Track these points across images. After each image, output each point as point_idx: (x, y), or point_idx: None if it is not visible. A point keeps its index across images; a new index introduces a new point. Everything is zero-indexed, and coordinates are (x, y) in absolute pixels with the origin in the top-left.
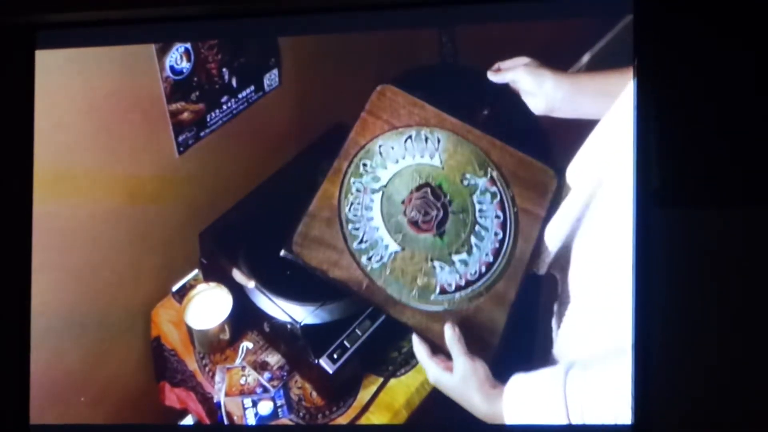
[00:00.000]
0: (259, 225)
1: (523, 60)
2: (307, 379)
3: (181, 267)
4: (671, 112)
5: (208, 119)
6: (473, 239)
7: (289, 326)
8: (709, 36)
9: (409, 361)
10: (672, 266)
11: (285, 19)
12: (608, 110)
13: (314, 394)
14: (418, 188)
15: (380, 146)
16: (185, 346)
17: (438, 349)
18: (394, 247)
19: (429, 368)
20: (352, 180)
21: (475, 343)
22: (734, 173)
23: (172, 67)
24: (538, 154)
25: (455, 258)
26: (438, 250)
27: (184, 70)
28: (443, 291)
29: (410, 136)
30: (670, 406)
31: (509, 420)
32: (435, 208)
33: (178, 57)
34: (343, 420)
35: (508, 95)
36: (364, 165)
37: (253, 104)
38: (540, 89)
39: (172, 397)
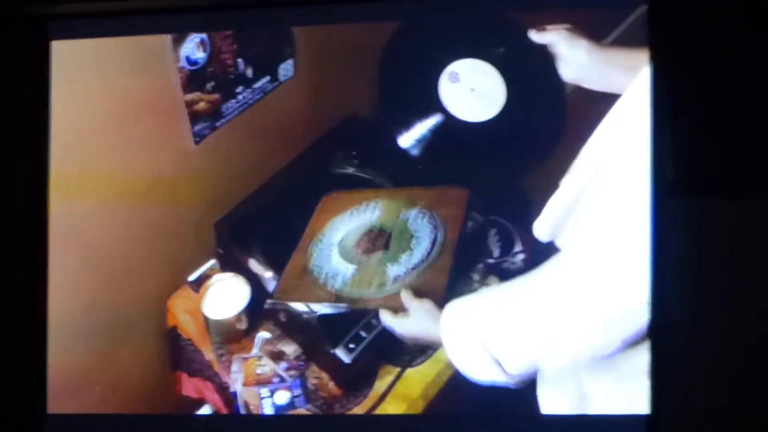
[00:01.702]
0: (275, 214)
1: (565, 26)
2: (324, 369)
3: (198, 257)
4: (687, 103)
5: (224, 109)
6: (413, 242)
7: (305, 316)
8: (724, 26)
9: (425, 351)
10: (688, 258)
11: (300, 9)
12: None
13: (331, 383)
14: (365, 234)
15: (333, 222)
16: (202, 336)
17: None
18: (351, 269)
19: (393, 323)
20: (314, 248)
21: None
22: (750, 164)
23: (187, 58)
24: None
25: (402, 256)
26: (387, 258)
27: (200, 61)
28: (395, 280)
29: (352, 212)
30: (687, 397)
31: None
32: (380, 237)
33: (193, 47)
34: (359, 410)
35: (526, 41)
36: (323, 236)
37: (268, 94)
38: (573, 57)
39: (189, 386)
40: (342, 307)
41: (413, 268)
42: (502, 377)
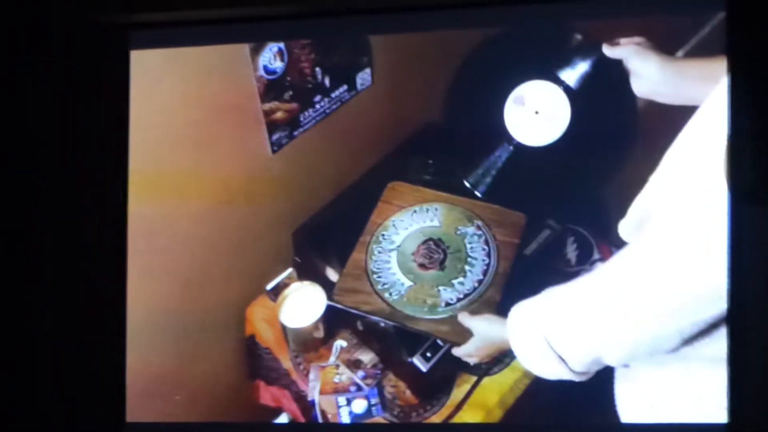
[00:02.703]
0: (352, 223)
1: (638, 39)
2: (401, 378)
3: (275, 265)
4: (765, 111)
5: (302, 118)
6: (467, 267)
7: (382, 324)
8: None
9: (502, 359)
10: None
11: (377, 17)
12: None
13: (408, 392)
14: (423, 243)
15: (393, 221)
16: (279, 345)
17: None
18: (408, 283)
19: (461, 351)
20: (374, 247)
21: None
22: None
23: (265, 67)
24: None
25: (454, 282)
26: (441, 280)
27: (278, 70)
28: (447, 304)
29: (415, 210)
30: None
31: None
32: (437, 253)
33: (271, 57)
34: (436, 419)
35: (594, 59)
36: (383, 236)
37: (345, 103)
38: (645, 71)
39: (267, 395)
40: (395, 325)
41: (464, 297)
42: (567, 374)
